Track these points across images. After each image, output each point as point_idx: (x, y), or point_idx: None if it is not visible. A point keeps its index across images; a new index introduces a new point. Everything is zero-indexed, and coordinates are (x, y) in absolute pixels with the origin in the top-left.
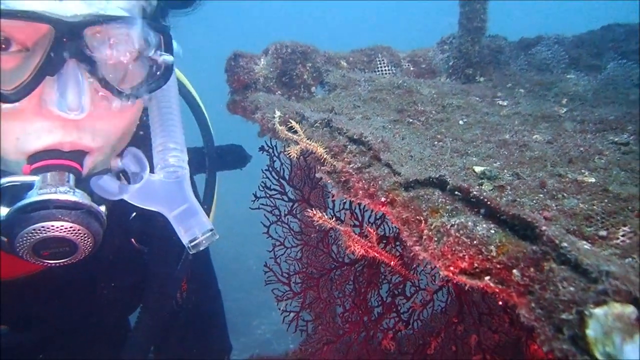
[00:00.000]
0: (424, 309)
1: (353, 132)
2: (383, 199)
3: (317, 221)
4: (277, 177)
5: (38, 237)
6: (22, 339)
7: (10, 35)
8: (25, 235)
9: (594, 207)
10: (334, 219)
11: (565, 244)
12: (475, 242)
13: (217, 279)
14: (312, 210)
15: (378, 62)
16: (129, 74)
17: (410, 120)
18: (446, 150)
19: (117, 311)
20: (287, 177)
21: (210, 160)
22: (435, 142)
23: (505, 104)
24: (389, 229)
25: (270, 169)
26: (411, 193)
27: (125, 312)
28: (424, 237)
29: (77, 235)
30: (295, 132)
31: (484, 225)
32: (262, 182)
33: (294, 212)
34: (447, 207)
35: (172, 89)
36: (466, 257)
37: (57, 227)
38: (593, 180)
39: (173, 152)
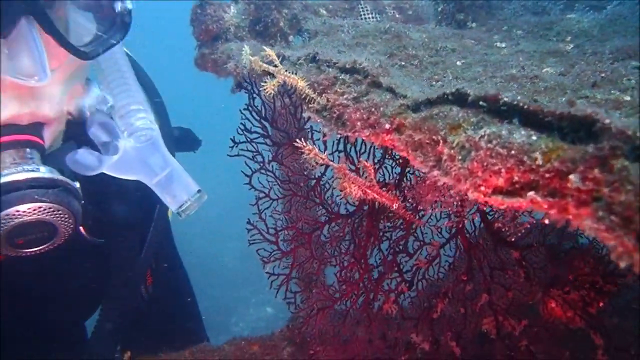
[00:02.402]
0: (429, 266)
1: (345, 61)
2: (387, 126)
3: (308, 155)
4: (258, 118)
5: (12, 223)
6: None
7: None
8: None
9: None
10: (325, 154)
11: None
12: (513, 151)
13: (185, 269)
14: (301, 142)
15: (360, 9)
16: (82, 29)
17: (402, 64)
18: (448, 87)
19: (72, 314)
20: (269, 118)
21: (168, 140)
22: (434, 82)
23: (503, 45)
24: (389, 175)
25: (250, 108)
26: (422, 114)
27: (81, 315)
28: (445, 158)
29: (57, 217)
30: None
31: (522, 132)
32: (241, 123)
33: (280, 157)
34: (472, 120)
35: (121, 54)
36: (502, 170)
37: (34, 210)
38: (628, 98)
39: (138, 114)
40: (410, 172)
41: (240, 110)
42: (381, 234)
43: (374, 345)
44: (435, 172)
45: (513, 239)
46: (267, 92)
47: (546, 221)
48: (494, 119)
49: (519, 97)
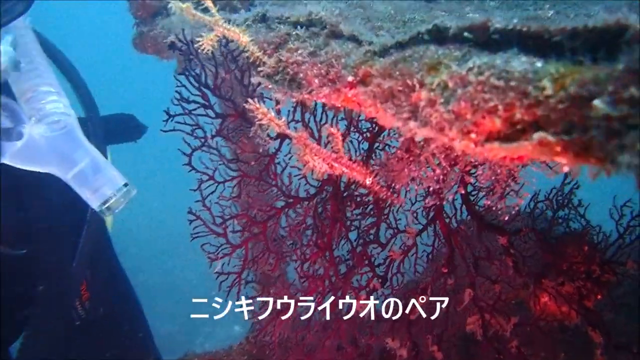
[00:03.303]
0: (404, 257)
1: (299, 15)
2: (350, 78)
3: (261, 121)
4: (197, 85)
5: None
6: None
7: None
8: None
9: None
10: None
11: None
12: (512, 82)
13: (128, 279)
14: (253, 103)
15: None
16: None
17: None
18: (422, 26)
19: None
20: (210, 85)
21: (95, 132)
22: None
23: (477, 16)
24: (356, 151)
25: (187, 73)
26: (392, 57)
27: (2, 340)
28: (423, 104)
29: None
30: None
31: (523, 59)
32: (176, 91)
33: (225, 131)
34: (455, 54)
35: (27, 31)
36: (500, 108)
37: None
38: None
39: (49, 97)
40: (380, 147)
41: (174, 76)
42: (348, 222)
43: (344, 354)
44: (412, 124)
45: (500, 223)
46: (203, 48)
47: (565, 169)
48: (483, 52)
49: (514, 21)
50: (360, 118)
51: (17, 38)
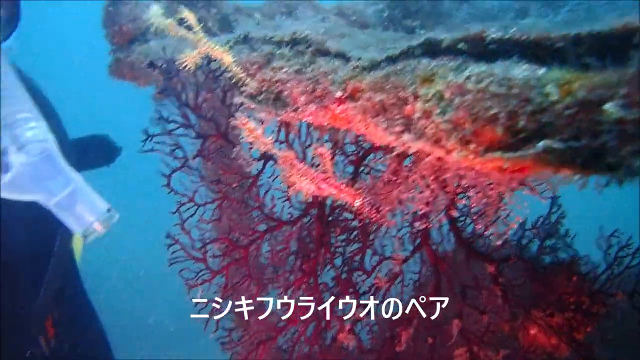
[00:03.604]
0: (391, 285)
1: (282, 34)
2: (339, 94)
3: (247, 136)
4: (178, 104)
5: None
6: None
7: None
8: None
9: None
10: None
11: None
12: (514, 90)
13: (97, 314)
14: (240, 118)
15: (299, 14)
16: None
17: None
18: (413, 41)
19: None
20: (190, 104)
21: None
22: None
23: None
24: (341, 174)
25: (167, 92)
26: (384, 71)
27: None
28: (417, 115)
29: None
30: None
31: (525, 67)
32: (157, 110)
33: (206, 152)
34: (450, 65)
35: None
36: (501, 115)
37: None
38: None
39: (29, 124)
40: (365, 171)
41: (152, 96)
42: (333, 249)
43: None
44: (406, 137)
45: (488, 250)
46: (187, 66)
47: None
48: (480, 62)
49: (513, 29)
50: (346, 141)
51: None
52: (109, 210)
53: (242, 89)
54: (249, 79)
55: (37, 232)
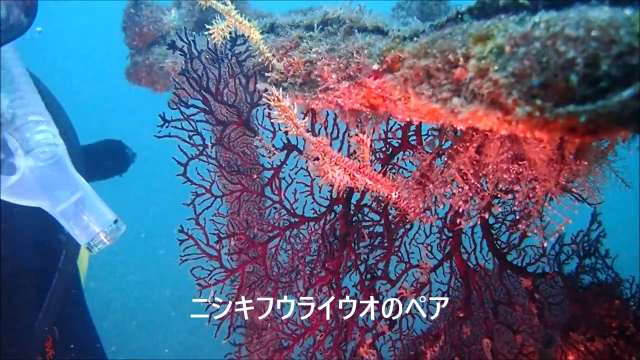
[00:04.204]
0: (417, 296)
1: (312, 17)
2: (376, 67)
3: (279, 115)
4: (197, 88)
5: None
6: None
7: None
8: None
9: None
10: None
11: None
12: (594, 32)
13: (97, 334)
14: (273, 93)
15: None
16: None
17: None
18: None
19: None
20: (211, 89)
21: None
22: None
23: None
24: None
25: (187, 74)
26: (429, 37)
27: None
28: (470, 75)
29: None
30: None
31: (606, 9)
32: (174, 94)
33: (226, 140)
34: (511, 18)
35: (15, 61)
36: (578, 61)
37: None
38: None
39: (39, 127)
40: (393, 171)
41: (172, 78)
42: (353, 257)
43: None
44: (455, 102)
45: (524, 263)
46: (214, 38)
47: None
48: (548, 11)
49: None
50: (374, 137)
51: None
52: (116, 221)
53: (267, 74)
54: (275, 60)
55: (42, 245)
